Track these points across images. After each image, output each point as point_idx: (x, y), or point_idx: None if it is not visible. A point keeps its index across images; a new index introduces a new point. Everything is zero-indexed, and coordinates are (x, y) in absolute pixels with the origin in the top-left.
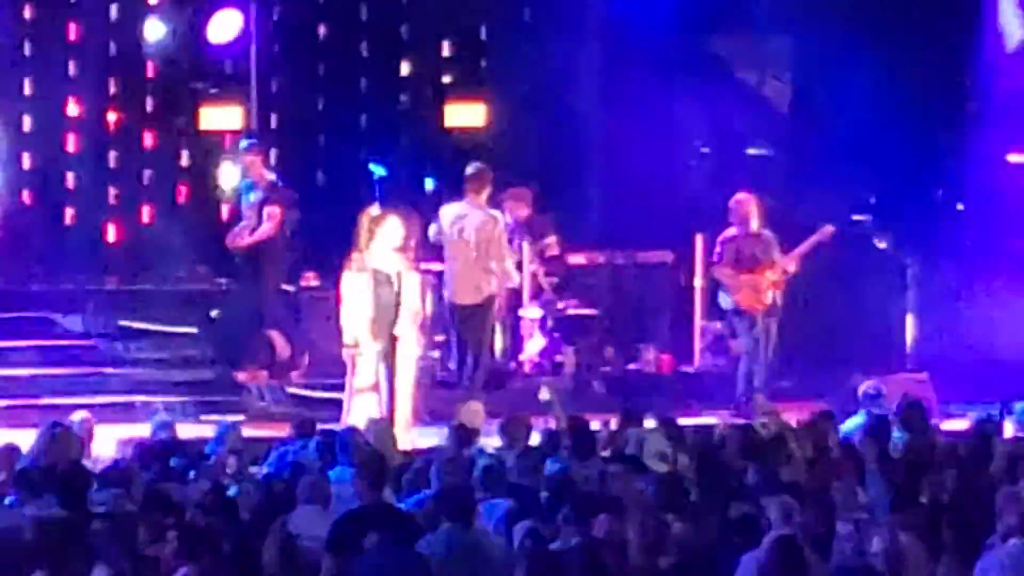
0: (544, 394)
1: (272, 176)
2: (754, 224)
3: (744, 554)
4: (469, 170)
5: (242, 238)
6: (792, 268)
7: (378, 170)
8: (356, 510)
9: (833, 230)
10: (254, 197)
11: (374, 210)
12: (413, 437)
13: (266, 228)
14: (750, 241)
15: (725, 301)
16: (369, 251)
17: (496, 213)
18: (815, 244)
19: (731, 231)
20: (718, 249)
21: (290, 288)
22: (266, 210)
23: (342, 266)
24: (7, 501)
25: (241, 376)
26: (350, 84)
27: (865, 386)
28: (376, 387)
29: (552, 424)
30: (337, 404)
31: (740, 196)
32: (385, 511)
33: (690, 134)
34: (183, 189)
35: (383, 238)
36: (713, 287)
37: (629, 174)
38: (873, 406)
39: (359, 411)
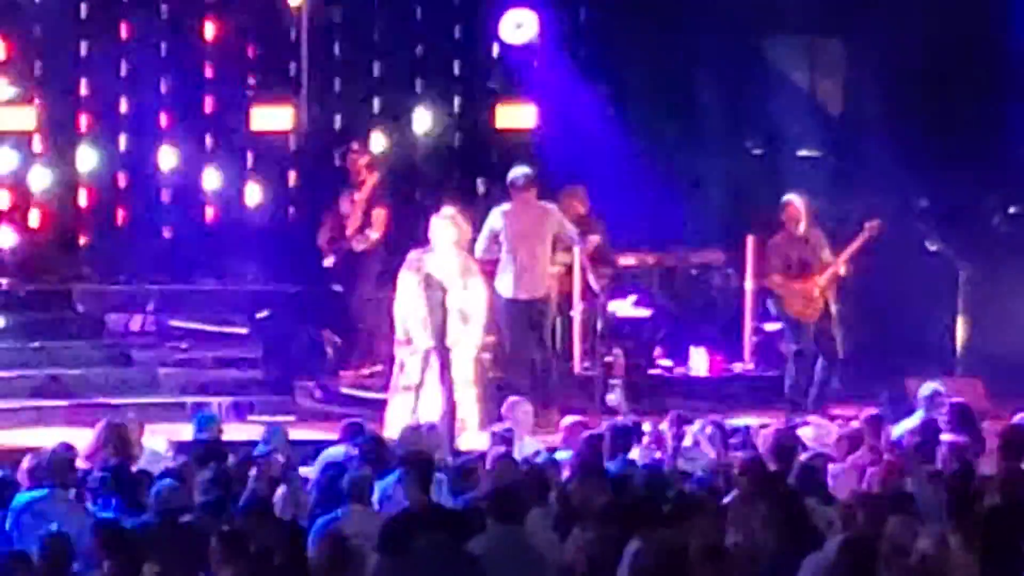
0: (612, 397)
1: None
2: (802, 226)
3: (806, 556)
4: (519, 172)
5: (356, 240)
6: (843, 270)
7: None
8: (405, 511)
9: (879, 224)
10: (357, 198)
11: (448, 209)
12: (479, 439)
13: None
14: (798, 245)
15: (776, 307)
16: (429, 250)
17: (552, 207)
18: (864, 243)
19: (779, 236)
20: (768, 256)
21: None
22: (374, 213)
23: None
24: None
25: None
26: (404, 85)
27: (926, 388)
28: (418, 388)
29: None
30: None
31: (788, 197)
32: (434, 512)
33: (742, 135)
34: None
35: (440, 237)
36: (764, 288)
37: (680, 175)
38: (932, 408)
39: (398, 409)
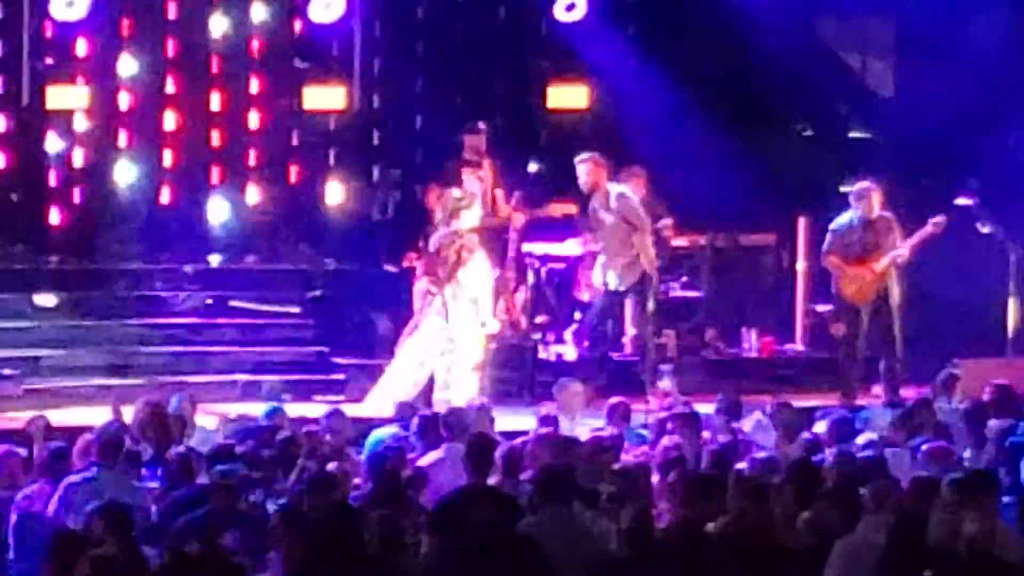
0: (665, 382)
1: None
2: (874, 213)
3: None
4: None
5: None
6: (904, 258)
7: None
8: (458, 491)
9: (945, 221)
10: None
11: (457, 192)
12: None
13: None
14: (863, 229)
15: (833, 288)
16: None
17: (628, 190)
18: (928, 235)
19: (844, 218)
20: (828, 237)
21: (392, 268)
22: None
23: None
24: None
25: None
26: (449, 66)
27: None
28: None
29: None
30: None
31: (865, 184)
32: (486, 492)
33: (793, 117)
34: (292, 169)
35: (465, 218)
36: (818, 270)
37: (731, 157)
38: (947, 393)
39: (461, 389)
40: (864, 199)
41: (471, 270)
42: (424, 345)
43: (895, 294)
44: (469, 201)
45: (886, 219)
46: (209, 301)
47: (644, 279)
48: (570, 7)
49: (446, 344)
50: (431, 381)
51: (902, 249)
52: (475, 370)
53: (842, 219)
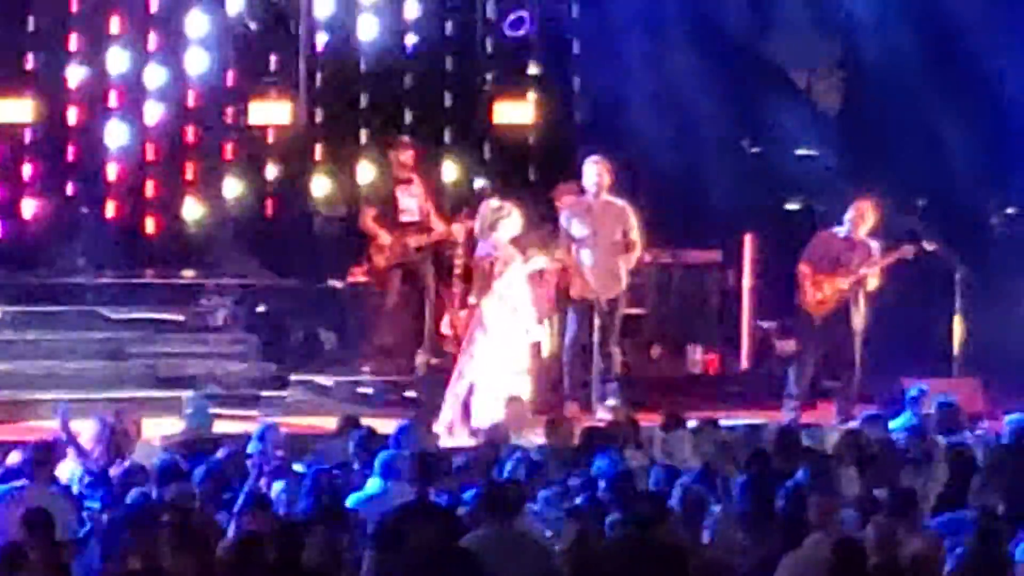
0: (611, 400)
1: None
2: (862, 231)
3: (783, 555)
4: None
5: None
6: (873, 283)
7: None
8: (401, 507)
9: (915, 250)
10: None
11: (494, 201)
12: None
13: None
14: (842, 244)
15: (796, 297)
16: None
17: (623, 203)
18: (895, 261)
19: (828, 230)
20: (809, 244)
21: (337, 283)
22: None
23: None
24: None
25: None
26: (395, 80)
27: (912, 388)
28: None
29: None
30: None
31: (862, 202)
32: (429, 508)
33: (740, 134)
34: (230, 183)
35: (504, 229)
36: (761, 286)
37: (677, 173)
38: (917, 408)
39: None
40: (857, 216)
41: (509, 280)
42: (507, 358)
43: (858, 318)
44: (508, 211)
45: (866, 243)
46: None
47: (621, 295)
48: (516, 23)
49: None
50: (471, 389)
51: (868, 270)
52: (526, 374)
53: (827, 231)
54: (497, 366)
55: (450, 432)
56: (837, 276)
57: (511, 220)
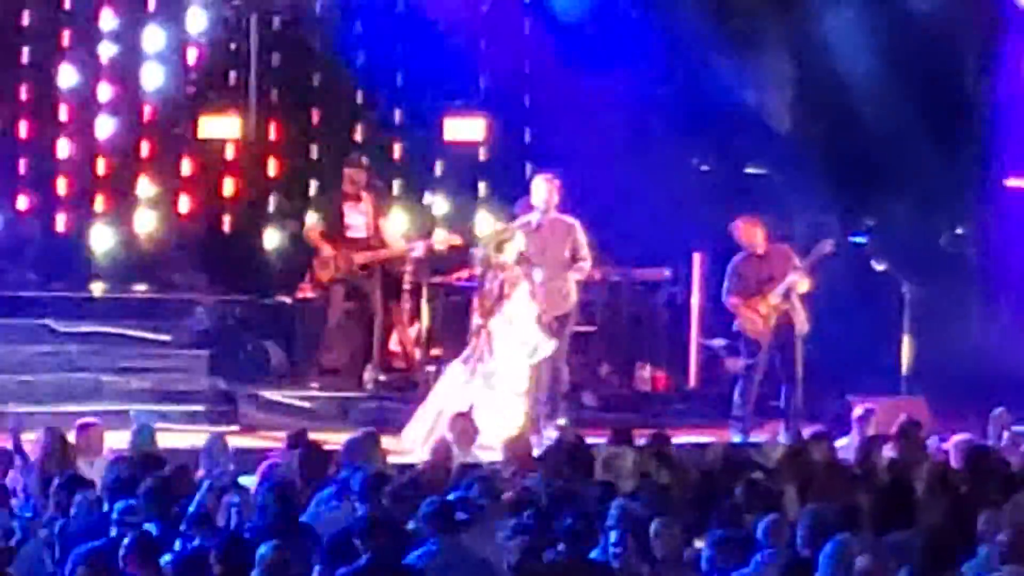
0: (561, 420)
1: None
2: (760, 247)
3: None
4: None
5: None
6: (804, 286)
7: None
8: (352, 522)
9: (833, 244)
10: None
11: (498, 225)
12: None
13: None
14: (755, 264)
15: (736, 326)
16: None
17: (571, 220)
18: (817, 260)
19: (739, 256)
20: (727, 281)
21: (285, 298)
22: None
23: None
24: None
25: None
26: (346, 96)
27: (859, 409)
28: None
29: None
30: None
31: (738, 222)
32: (378, 524)
33: (689, 152)
34: (183, 198)
35: (510, 251)
36: (710, 304)
37: (626, 191)
38: (862, 428)
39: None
40: (743, 238)
41: (516, 302)
42: (518, 377)
43: (799, 323)
44: (511, 233)
45: (780, 250)
46: None
47: (570, 312)
48: (469, 39)
49: (488, 376)
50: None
51: (794, 276)
52: (524, 395)
53: (736, 259)
54: (501, 386)
55: (420, 446)
56: (768, 294)
57: (515, 241)
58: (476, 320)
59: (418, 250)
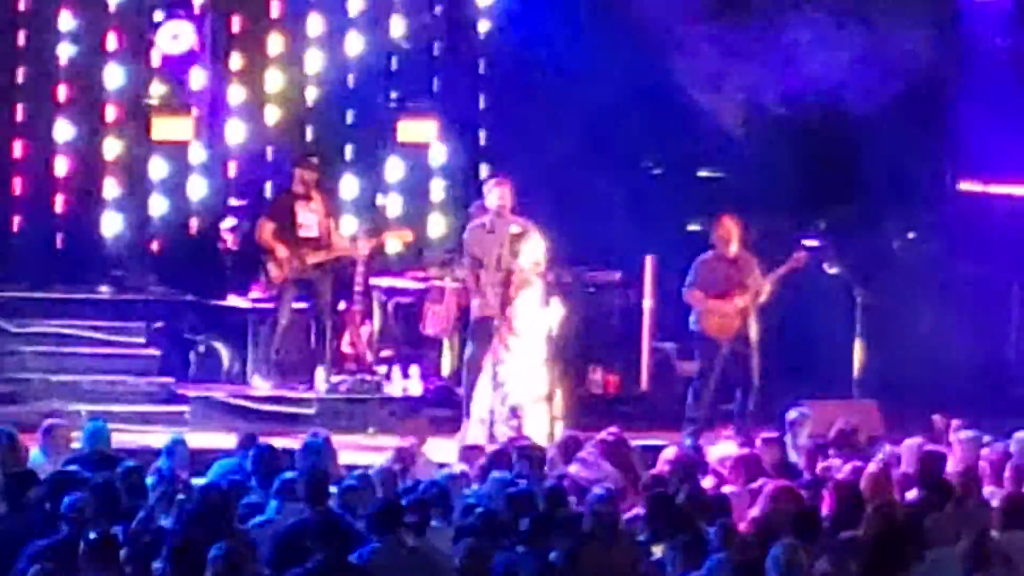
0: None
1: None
2: (733, 247)
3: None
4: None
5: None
6: (766, 294)
7: None
8: (297, 523)
9: (806, 257)
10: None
11: (515, 227)
12: None
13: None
14: (725, 265)
15: (693, 324)
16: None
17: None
18: (789, 270)
19: (707, 254)
20: (691, 272)
21: (239, 300)
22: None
23: None
24: None
25: None
26: (302, 98)
27: (793, 413)
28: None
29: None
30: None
31: (723, 218)
32: (326, 525)
33: (641, 155)
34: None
35: (526, 255)
36: (662, 307)
37: (579, 194)
38: (795, 432)
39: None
40: (720, 234)
41: (527, 303)
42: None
43: (754, 332)
44: (529, 236)
45: (747, 256)
46: None
47: None
48: (421, 42)
49: (500, 378)
50: (492, 415)
51: (766, 284)
52: (542, 400)
53: (704, 255)
54: (513, 387)
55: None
56: (733, 296)
57: (531, 244)
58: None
59: (363, 249)
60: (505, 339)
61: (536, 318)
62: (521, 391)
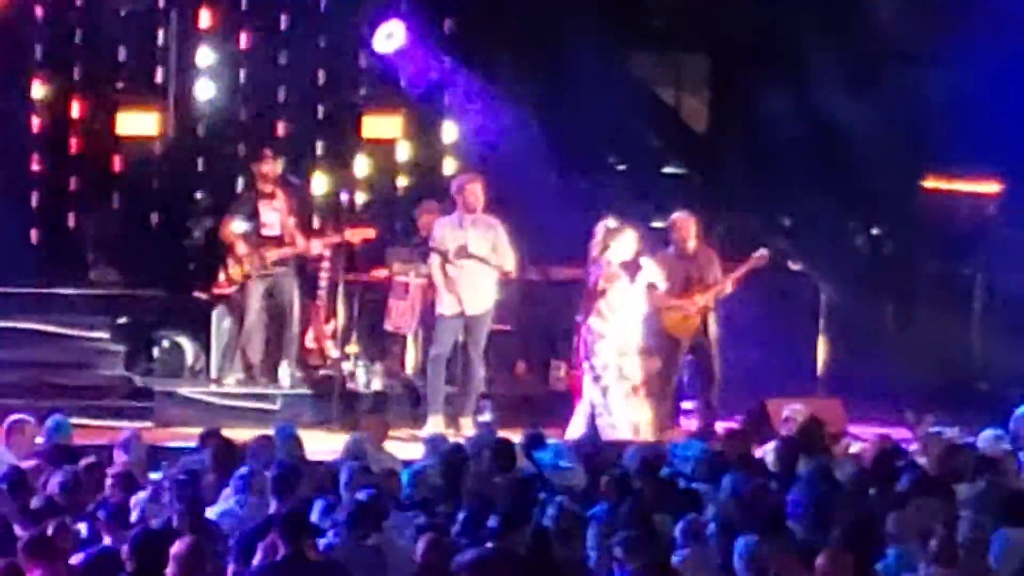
0: (486, 415)
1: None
2: (691, 245)
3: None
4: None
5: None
6: (726, 291)
7: None
8: (263, 520)
9: (768, 255)
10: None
11: (611, 222)
12: None
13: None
14: (684, 263)
15: (651, 322)
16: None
17: (494, 220)
18: (751, 268)
19: (667, 251)
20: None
21: (203, 295)
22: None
23: None
24: None
25: None
26: (269, 93)
27: (786, 410)
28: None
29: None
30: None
31: (677, 216)
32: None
33: (606, 151)
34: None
35: (616, 251)
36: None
37: (542, 189)
38: (785, 429)
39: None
40: (677, 233)
41: (615, 299)
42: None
43: (713, 330)
44: (622, 233)
45: (707, 252)
46: None
47: (489, 310)
48: (388, 38)
49: (599, 372)
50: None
51: (727, 281)
52: (635, 393)
53: (663, 254)
54: (612, 384)
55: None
56: (694, 293)
57: (623, 242)
58: (577, 317)
59: (314, 248)
60: (594, 337)
61: (628, 313)
62: (617, 384)
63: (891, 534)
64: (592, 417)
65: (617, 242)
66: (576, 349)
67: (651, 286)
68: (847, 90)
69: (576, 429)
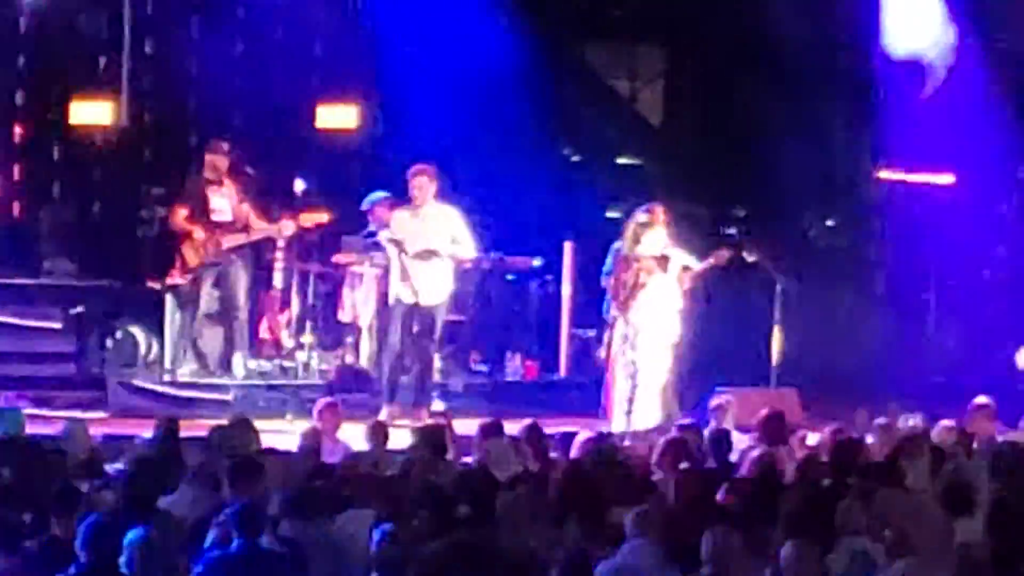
0: (438, 404)
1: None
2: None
3: (600, 562)
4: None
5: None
6: (684, 287)
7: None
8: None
9: (729, 255)
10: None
11: (641, 216)
12: None
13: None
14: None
15: (609, 312)
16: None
17: (451, 208)
18: (710, 267)
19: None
20: (610, 258)
21: (155, 285)
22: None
23: None
24: None
25: None
26: (221, 83)
27: (717, 400)
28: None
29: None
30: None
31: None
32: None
33: (561, 142)
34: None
35: (647, 243)
36: (584, 295)
37: (498, 180)
38: (715, 419)
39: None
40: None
41: (651, 292)
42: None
43: None
44: (653, 225)
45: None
46: None
47: (445, 300)
48: (351, 27)
49: (629, 367)
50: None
51: (686, 277)
52: (661, 392)
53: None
54: (647, 373)
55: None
56: None
57: (655, 234)
58: (612, 312)
59: (286, 229)
60: (633, 330)
61: (666, 303)
62: (648, 377)
63: (842, 525)
64: (629, 411)
65: (648, 236)
66: (608, 344)
67: (685, 268)
68: (803, 79)
69: (619, 423)
